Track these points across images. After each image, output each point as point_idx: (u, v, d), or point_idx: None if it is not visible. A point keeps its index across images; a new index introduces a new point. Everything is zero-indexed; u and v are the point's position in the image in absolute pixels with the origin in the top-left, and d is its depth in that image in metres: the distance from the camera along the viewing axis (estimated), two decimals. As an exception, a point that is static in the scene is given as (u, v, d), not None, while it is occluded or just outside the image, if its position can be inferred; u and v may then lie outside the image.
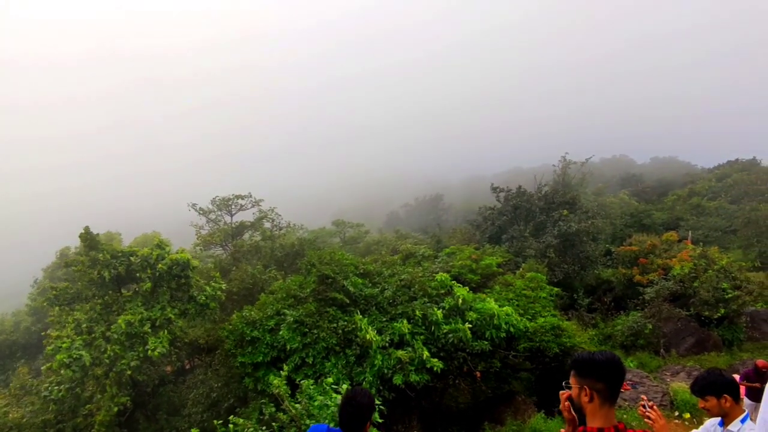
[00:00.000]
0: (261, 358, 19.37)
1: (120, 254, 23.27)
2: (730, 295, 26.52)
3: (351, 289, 21.17)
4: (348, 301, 20.96)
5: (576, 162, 77.27)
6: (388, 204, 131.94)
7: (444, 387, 21.39)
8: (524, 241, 44.04)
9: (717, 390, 4.88)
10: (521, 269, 32.98)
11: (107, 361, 20.09)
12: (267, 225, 47.73)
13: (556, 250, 41.42)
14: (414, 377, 18.22)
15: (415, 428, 20.35)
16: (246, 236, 47.15)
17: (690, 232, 52.92)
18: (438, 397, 21.74)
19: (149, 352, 19.88)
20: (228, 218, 46.48)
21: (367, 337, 18.77)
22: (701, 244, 42.74)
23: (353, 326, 19.68)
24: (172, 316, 22.01)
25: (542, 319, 21.33)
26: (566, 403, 3.30)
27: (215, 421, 10.43)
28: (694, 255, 31.05)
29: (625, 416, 14.74)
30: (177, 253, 24.14)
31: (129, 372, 20.20)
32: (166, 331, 21.28)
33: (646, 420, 4.30)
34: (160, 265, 22.81)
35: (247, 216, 48.37)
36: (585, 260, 41.43)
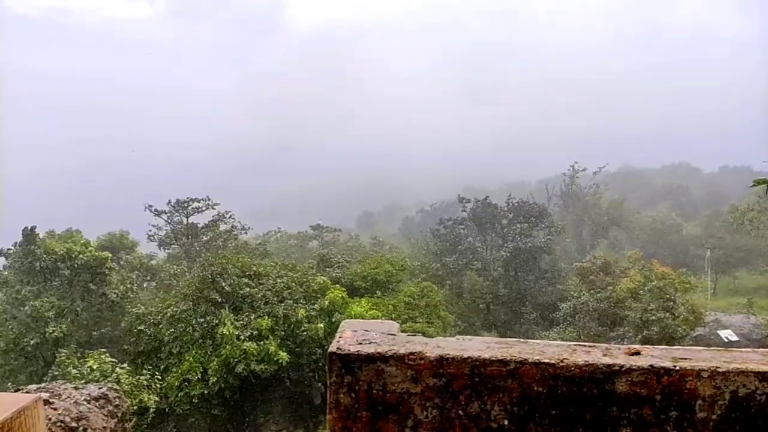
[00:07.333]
0: (143, 347, 24.89)
1: (51, 251, 27.97)
2: (654, 317, 26.82)
3: (227, 288, 25.43)
4: (219, 300, 25.25)
5: (585, 170, 77.69)
6: (416, 206, 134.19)
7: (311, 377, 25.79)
8: (474, 252, 45.45)
9: None
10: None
11: (11, 336, 25.03)
12: (223, 227, 52.13)
13: (505, 264, 42.82)
14: (258, 367, 22.91)
15: (278, 415, 25.43)
16: (204, 239, 51.38)
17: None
18: (305, 387, 26.09)
19: (47, 334, 24.73)
20: (184, 219, 51.03)
21: (224, 330, 23.18)
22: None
23: (217, 321, 24.08)
24: (79, 309, 26.65)
25: (415, 324, 25.85)
26: None
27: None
28: (641, 273, 31.07)
29: None
30: (98, 251, 29.38)
31: (29, 348, 25.30)
32: (68, 319, 26.14)
33: None
34: (78, 260, 27.43)
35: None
36: (541, 275, 42.63)
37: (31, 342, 24.75)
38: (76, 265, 27.40)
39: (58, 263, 27.31)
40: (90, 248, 28.96)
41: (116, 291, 28.28)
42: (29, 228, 28.24)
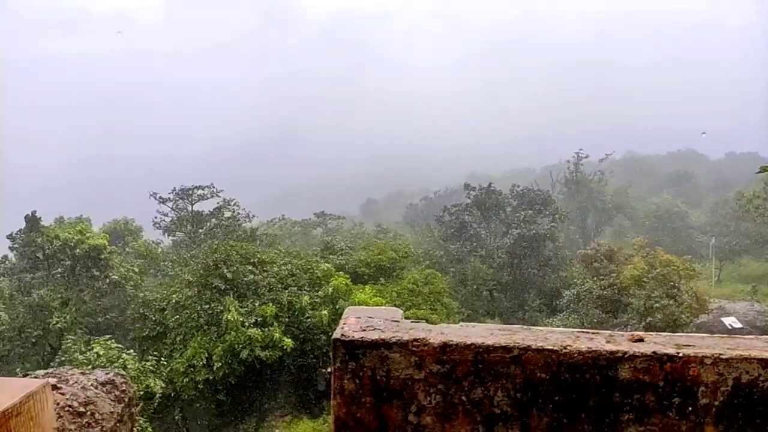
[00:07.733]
0: (148, 333, 25.58)
1: (52, 239, 28.28)
2: (658, 305, 26.92)
3: (229, 276, 25.87)
4: (223, 287, 25.68)
5: (588, 158, 77.17)
6: (420, 194, 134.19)
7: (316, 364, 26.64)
8: (478, 239, 45.71)
9: None
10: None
11: (16, 324, 25.49)
12: (227, 214, 52.40)
13: (508, 251, 43.04)
14: (263, 353, 23.26)
15: (282, 400, 26.16)
16: (209, 225, 51.92)
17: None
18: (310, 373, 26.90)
19: (51, 325, 25.24)
20: (189, 206, 51.84)
21: (229, 317, 23.50)
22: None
23: (222, 308, 24.51)
24: (86, 298, 27.29)
25: (419, 311, 26.13)
26: None
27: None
28: (645, 260, 31.22)
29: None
30: (97, 237, 29.67)
31: (32, 338, 25.80)
32: (73, 308, 26.51)
33: None
34: (78, 250, 27.72)
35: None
36: (544, 263, 42.80)
37: (34, 333, 25.49)
38: (76, 254, 27.84)
39: (58, 253, 27.84)
40: (87, 235, 29.24)
41: (118, 274, 28.82)
42: (31, 214, 28.49)
